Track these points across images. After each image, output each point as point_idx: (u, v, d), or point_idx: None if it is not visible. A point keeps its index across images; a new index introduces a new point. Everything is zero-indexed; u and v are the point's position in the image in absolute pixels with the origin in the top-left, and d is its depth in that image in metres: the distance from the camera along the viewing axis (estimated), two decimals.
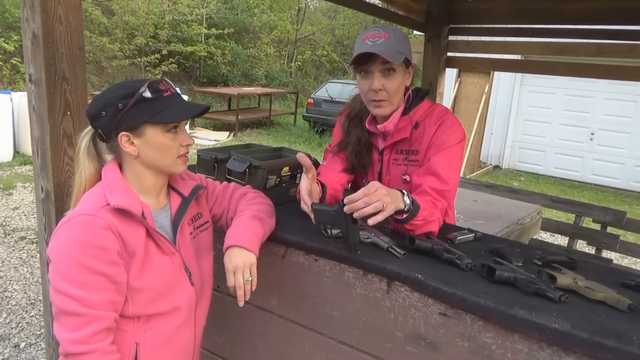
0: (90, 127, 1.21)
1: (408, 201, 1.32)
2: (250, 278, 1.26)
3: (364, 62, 1.51)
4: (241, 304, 1.27)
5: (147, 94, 1.14)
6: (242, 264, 1.25)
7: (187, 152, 1.25)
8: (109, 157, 1.26)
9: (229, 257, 1.27)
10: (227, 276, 1.26)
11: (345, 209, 1.24)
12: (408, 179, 1.61)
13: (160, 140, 1.18)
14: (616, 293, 1.12)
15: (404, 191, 1.33)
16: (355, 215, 1.22)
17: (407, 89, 1.63)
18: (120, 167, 1.23)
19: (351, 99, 1.77)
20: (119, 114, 1.14)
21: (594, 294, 1.13)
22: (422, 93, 1.66)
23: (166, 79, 1.23)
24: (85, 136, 1.21)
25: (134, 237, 1.14)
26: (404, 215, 1.33)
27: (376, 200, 1.20)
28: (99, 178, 1.21)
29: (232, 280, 1.25)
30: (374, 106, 1.58)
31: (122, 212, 1.13)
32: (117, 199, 1.13)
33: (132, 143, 1.17)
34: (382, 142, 1.69)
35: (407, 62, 1.55)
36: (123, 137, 1.16)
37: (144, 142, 1.17)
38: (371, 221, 1.21)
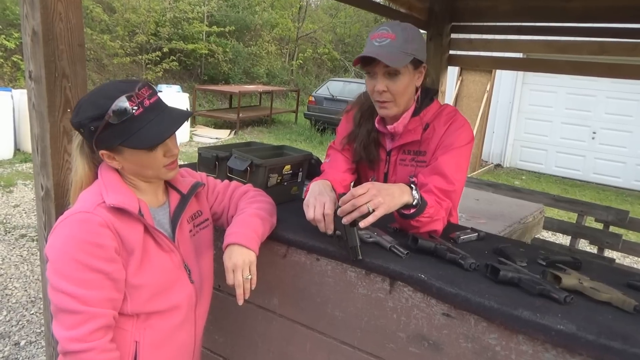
0: None
1: (417, 196, 1.31)
2: (249, 276, 1.26)
3: (368, 63, 1.49)
4: (240, 302, 1.26)
5: (115, 119, 1.08)
6: (241, 262, 1.24)
7: (174, 160, 1.22)
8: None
9: (228, 255, 1.26)
10: (226, 274, 1.25)
11: (338, 211, 1.23)
12: (416, 181, 1.59)
13: (140, 158, 1.15)
14: (622, 294, 1.11)
15: (412, 185, 1.32)
16: (344, 220, 1.22)
17: (417, 88, 1.61)
18: None
19: (361, 94, 1.76)
20: (94, 136, 1.11)
21: (600, 294, 1.11)
22: (431, 93, 1.64)
23: (146, 84, 1.14)
24: (78, 135, 1.20)
25: (132, 234, 1.13)
26: (412, 210, 1.32)
27: (363, 203, 1.20)
28: (95, 175, 1.20)
29: (231, 278, 1.25)
30: (379, 107, 1.57)
31: (119, 210, 1.12)
32: (113, 198, 1.12)
33: (114, 159, 1.16)
34: (390, 143, 1.68)
35: (417, 62, 1.52)
36: (104, 154, 1.15)
37: (124, 159, 1.16)
38: (362, 223, 1.21)
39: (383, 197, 1.23)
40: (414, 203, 1.31)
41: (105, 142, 1.12)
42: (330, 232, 1.32)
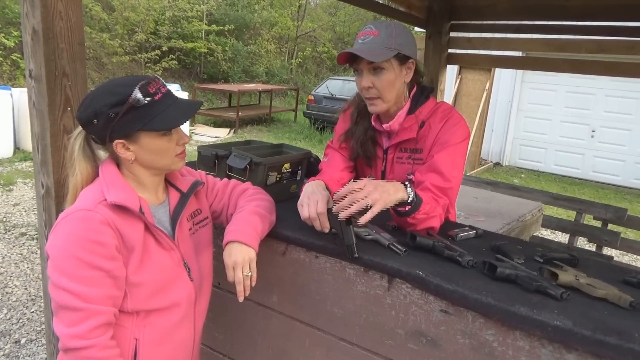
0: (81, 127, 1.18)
1: (412, 193, 1.32)
2: (249, 273, 1.27)
3: (353, 61, 1.52)
4: (241, 299, 1.27)
5: (139, 101, 1.11)
6: (241, 259, 1.25)
7: (184, 149, 1.25)
8: (102, 153, 1.24)
9: (228, 252, 1.27)
10: (226, 272, 1.26)
11: (334, 209, 1.23)
12: (413, 179, 1.60)
13: (156, 144, 1.17)
14: (618, 290, 1.12)
15: (407, 183, 1.33)
16: (342, 216, 1.22)
17: (412, 85, 1.61)
18: (118, 164, 1.22)
19: (357, 93, 1.77)
20: (111, 123, 1.11)
21: (596, 291, 1.12)
22: (427, 91, 1.64)
23: (157, 76, 1.19)
24: (78, 137, 1.19)
25: (133, 232, 1.14)
26: (407, 208, 1.33)
27: (362, 198, 1.21)
28: (96, 175, 1.20)
29: (231, 275, 1.25)
30: (368, 103, 1.59)
31: (120, 208, 1.13)
32: (114, 196, 1.12)
33: (128, 149, 1.16)
34: (386, 141, 1.69)
35: (404, 58, 1.53)
36: (118, 145, 1.15)
37: (140, 147, 1.16)
38: (362, 220, 1.21)
39: (379, 194, 1.24)
40: (408, 200, 1.32)
41: (124, 128, 1.13)
42: (326, 230, 1.33)
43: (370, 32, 1.48)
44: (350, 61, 1.53)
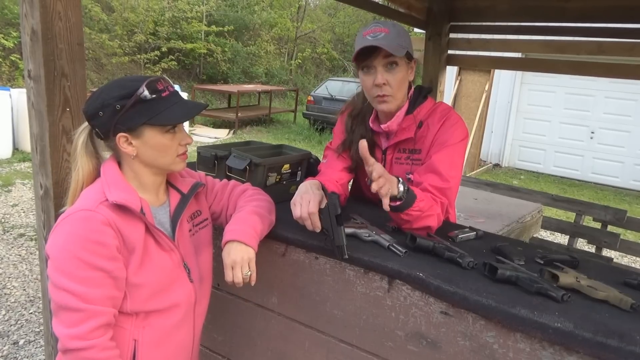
0: (86, 123, 1.20)
1: (402, 189, 1.32)
2: (249, 273, 1.26)
3: (366, 57, 1.48)
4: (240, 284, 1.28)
5: (146, 95, 1.13)
6: (240, 258, 1.25)
7: (186, 151, 1.25)
8: (106, 153, 1.25)
9: (227, 252, 1.27)
10: (225, 271, 1.26)
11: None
12: (412, 179, 1.60)
13: (159, 140, 1.17)
14: (619, 292, 1.12)
15: (400, 179, 1.33)
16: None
17: (410, 85, 1.61)
18: (119, 163, 1.22)
19: (353, 97, 1.76)
20: (117, 115, 1.13)
21: (597, 293, 1.12)
22: (425, 91, 1.64)
23: (165, 76, 1.22)
24: (82, 133, 1.20)
25: (133, 232, 1.14)
26: (397, 203, 1.33)
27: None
28: (97, 175, 1.20)
29: (230, 275, 1.25)
30: (378, 102, 1.55)
31: (121, 208, 1.13)
32: (115, 195, 1.12)
33: (131, 143, 1.16)
34: (385, 142, 1.68)
35: (410, 57, 1.53)
36: (121, 138, 1.15)
37: (143, 142, 1.17)
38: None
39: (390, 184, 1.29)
40: (398, 196, 1.32)
41: (129, 121, 1.13)
42: (317, 230, 1.33)
43: (380, 29, 1.46)
44: (361, 58, 1.49)
